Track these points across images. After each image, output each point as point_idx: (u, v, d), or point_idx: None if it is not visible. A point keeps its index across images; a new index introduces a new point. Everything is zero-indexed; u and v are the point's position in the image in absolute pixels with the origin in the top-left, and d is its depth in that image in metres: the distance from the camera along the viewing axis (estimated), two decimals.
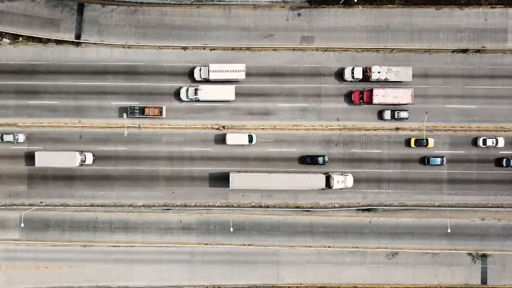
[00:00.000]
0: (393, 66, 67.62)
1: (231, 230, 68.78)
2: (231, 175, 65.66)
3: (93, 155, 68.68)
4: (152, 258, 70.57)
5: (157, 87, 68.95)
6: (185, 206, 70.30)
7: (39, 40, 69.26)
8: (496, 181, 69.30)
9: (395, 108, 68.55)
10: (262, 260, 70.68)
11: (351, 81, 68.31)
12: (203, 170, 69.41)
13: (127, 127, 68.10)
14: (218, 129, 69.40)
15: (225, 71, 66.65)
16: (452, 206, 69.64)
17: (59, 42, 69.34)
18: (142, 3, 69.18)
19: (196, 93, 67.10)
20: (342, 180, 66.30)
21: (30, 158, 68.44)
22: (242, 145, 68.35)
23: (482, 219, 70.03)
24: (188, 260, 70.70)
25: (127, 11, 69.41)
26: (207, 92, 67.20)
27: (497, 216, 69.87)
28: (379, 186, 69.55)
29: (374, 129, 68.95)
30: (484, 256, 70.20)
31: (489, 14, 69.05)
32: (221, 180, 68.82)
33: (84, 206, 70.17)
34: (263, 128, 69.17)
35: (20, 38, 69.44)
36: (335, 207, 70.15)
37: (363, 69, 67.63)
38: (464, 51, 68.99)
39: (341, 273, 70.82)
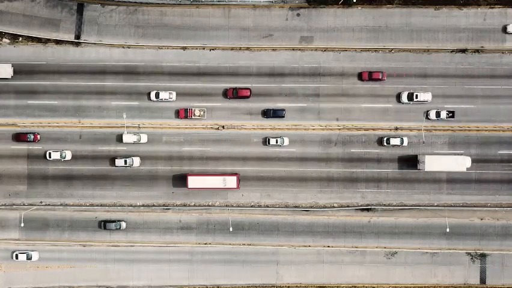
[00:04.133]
0: None
1: (231, 229, 68.82)
2: None
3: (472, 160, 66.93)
4: (152, 258, 70.62)
5: (157, 86, 69.21)
6: (185, 205, 70.38)
7: (38, 40, 69.33)
8: (495, 181, 69.37)
9: None
10: (261, 260, 70.73)
11: None
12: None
13: (127, 127, 68.21)
14: (217, 129, 69.48)
15: None
16: (451, 206, 69.75)
17: (58, 42, 69.42)
18: (141, 3, 69.20)
19: None
20: None
21: (30, 157, 69.01)
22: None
23: (481, 219, 70.08)
24: (188, 259, 70.73)
25: (127, 11, 69.47)
26: None
27: (496, 215, 69.92)
28: (378, 186, 69.66)
29: (373, 129, 69.18)
30: (483, 256, 70.20)
31: (488, 14, 69.09)
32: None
33: (84, 206, 70.25)
34: (262, 128, 69.37)
35: (20, 38, 69.51)
36: (334, 207, 70.24)
37: None
38: (463, 51, 69.04)
39: (340, 273, 70.86)
